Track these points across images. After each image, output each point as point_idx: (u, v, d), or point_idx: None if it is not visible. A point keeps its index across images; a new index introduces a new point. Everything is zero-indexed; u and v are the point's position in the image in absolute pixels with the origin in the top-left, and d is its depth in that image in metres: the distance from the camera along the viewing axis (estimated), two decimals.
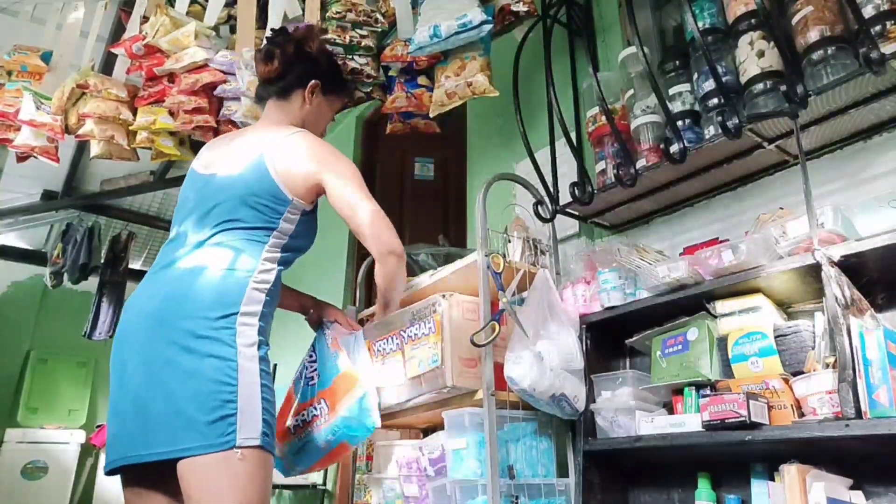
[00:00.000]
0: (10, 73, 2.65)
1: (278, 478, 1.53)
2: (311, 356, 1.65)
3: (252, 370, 1.25)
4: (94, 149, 2.57)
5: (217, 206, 1.42)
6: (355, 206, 1.43)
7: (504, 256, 1.75)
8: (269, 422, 1.25)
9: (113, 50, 2.56)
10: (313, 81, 1.63)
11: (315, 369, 1.61)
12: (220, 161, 1.51)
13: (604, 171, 1.91)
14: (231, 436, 1.18)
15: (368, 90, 2.35)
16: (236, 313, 1.28)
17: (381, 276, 1.51)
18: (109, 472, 1.31)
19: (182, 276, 1.33)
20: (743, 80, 1.56)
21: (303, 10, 2.33)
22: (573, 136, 2.08)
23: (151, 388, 1.23)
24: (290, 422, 1.58)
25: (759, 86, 1.52)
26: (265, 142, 1.48)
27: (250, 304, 1.31)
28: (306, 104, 1.63)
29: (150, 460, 1.20)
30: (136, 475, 1.30)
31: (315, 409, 1.55)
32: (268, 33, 2.30)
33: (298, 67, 1.62)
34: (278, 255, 1.42)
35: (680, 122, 1.69)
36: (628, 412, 1.59)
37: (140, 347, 1.28)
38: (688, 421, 1.44)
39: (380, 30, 2.31)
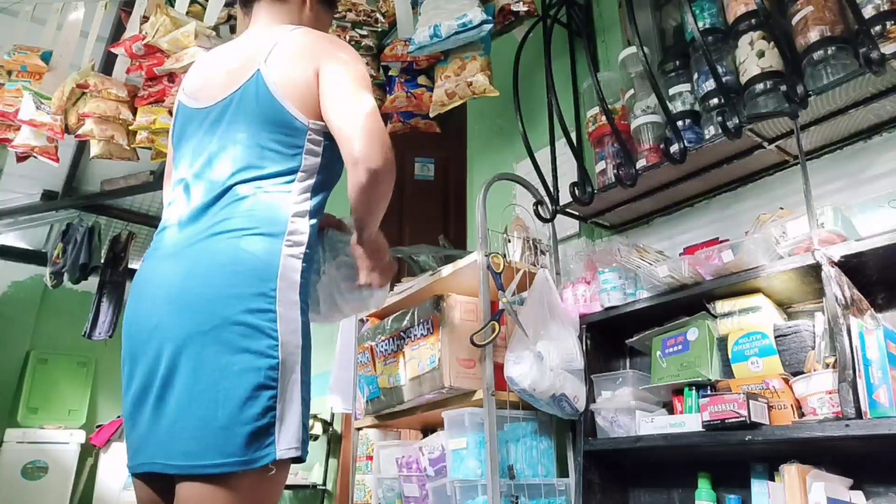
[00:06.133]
0: (10, 73, 2.66)
1: None
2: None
3: (294, 366, 1.04)
4: (94, 149, 2.57)
5: (221, 151, 1.16)
6: (345, 104, 1.12)
7: (504, 256, 1.75)
8: (306, 425, 1.06)
9: (113, 50, 2.56)
10: None
11: None
12: (212, 86, 1.22)
13: (604, 171, 1.91)
14: (269, 449, 0.98)
15: None
16: (274, 290, 1.04)
17: (350, 189, 1.12)
18: (136, 475, 1.11)
19: (200, 248, 1.08)
20: (743, 80, 1.56)
21: None
22: (573, 136, 2.08)
23: (175, 386, 1.01)
24: None
25: (760, 86, 1.52)
26: (259, 51, 1.18)
27: (288, 276, 1.07)
28: (307, 8, 1.35)
29: (171, 472, 1.01)
30: (150, 476, 1.09)
31: None
32: None
33: None
34: (308, 202, 1.15)
35: (680, 122, 1.69)
36: (628, 412, 1.59)
37: (159, 336, 1.04)
38: (688, 421, 1.44)
39: (380, 30, 2.32)
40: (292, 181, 1.14)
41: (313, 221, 1.16)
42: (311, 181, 1.16)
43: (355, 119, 1.10)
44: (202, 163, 1.18)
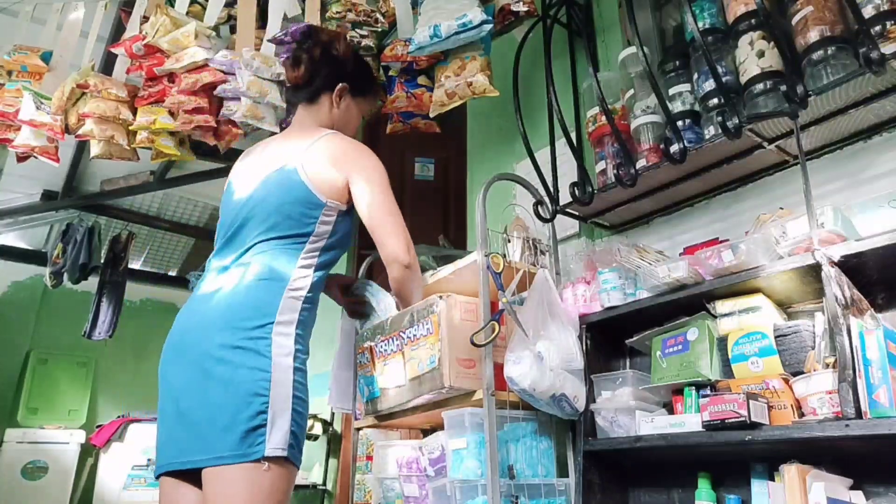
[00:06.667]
0: (10, 73, 2.65)
1: None
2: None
3: (286, 381, 1.28)
4: (94, 149, 2.56)
5: (251, 220, 1.46)
6: (375, 213, 1.47)
7: (504, 256, 1.75)
8: (298, 434, 1.28)
9: (113, 50, 2.56)
10: (340, 85, 1.66)
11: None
12: (252, 174, 1.55)
13: (604, 171, 1.90)
14: (260, 446, 1.22)
15: None
16: (272, 323, 1.31)
17: (390, 281, 1.57)
18: (157, 476, 1.37)
19: (219, 293, 1.38)
20: (743, 80, 1.56)
21: (303, 10, 2.33)
22: (573, 136, 2.08)
23: (190, 397, 1.29)
24: None
25: (759, 86, 1.52)
26: (295, 148, 1.51)
27: (286, 314, 1.34)
28: (335, 108, 1.67)
29: (187, 468, 1.27)
30: (174, 474, 1.35)
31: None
32: (267, 35, 2.31)
33: (325, 71, 1.64)
34: (315, 259, 1.44)
35: (680, 122, 1.69)
36: (628, 412, 1.59)
37: (183, 359, 1.34)
38: (688, 421, 1.44)
39: (380, 30, 2.32)
40: (304, 243, 1.43)
41: (319, 273, 1.45)
42: (321, 243, 1.46)
43: (384, 225, 1.47)
44: (235, 230, 1.48)
